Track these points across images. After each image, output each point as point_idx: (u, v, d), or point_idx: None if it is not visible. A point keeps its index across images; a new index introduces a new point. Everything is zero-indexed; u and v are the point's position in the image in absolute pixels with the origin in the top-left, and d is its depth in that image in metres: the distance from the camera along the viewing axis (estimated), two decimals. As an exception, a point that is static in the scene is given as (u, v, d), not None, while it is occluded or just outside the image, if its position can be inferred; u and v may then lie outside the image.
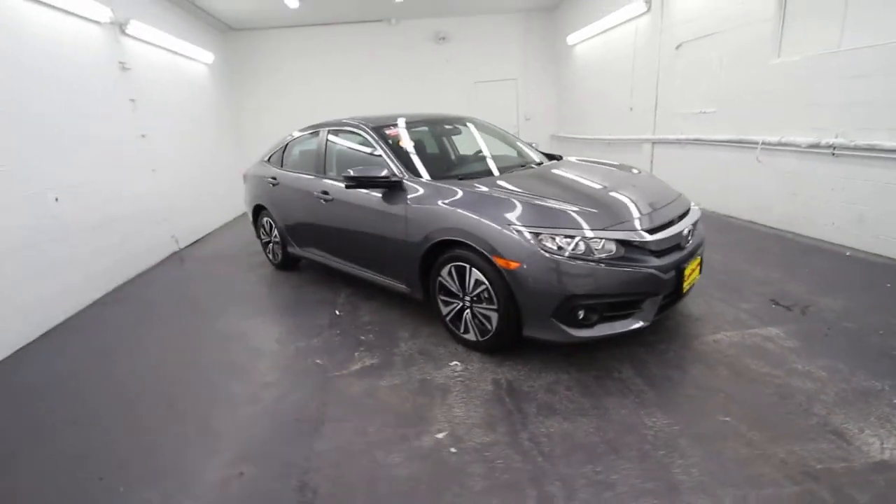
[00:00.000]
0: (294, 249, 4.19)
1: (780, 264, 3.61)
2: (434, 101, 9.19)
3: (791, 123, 4.24)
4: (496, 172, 3.13)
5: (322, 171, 3.66)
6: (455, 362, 2.59)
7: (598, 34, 7.64)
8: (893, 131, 3.40)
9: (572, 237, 2.22)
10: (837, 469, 1.66)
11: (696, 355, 2.47)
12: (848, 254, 3.73)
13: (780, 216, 4.48)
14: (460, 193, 2.66)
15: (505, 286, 2.35)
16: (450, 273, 2.63)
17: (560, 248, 2.22)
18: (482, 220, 2.42)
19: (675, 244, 2.43)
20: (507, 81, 9.60)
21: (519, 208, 2.40)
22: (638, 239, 2.27)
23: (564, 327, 2.25)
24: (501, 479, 1.74)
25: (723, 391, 2.15)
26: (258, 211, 4.60)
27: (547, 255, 2.21)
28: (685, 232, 2.49)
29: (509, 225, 2.32)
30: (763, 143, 4.53)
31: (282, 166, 4.27)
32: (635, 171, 3.24)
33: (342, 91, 9.14)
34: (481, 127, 3.90)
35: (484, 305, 2.51)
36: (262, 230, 4.64)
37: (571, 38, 8.43)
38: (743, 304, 2.98)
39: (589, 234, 2.23)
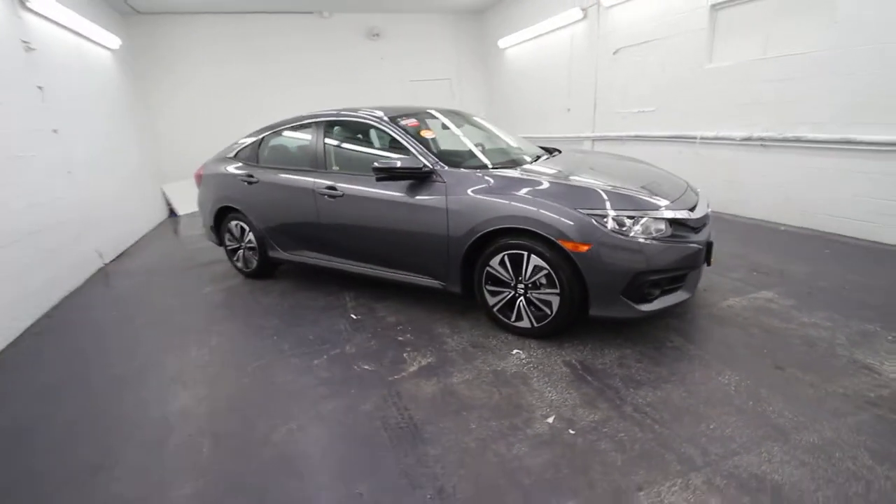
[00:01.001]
0: (277, 254, 3.80)
1: (738, 241, 4.19)
2: (370, 99, 8.94)
3: (725, 120, 4.95)
4: (526, 161, 3.17)
5: (323, 165, 3.38)
6: (516, 350, 2.59)
7: (531, 38, 8.10)
8: (813, 125, 4.15)
9: (634, 217, 2.36)
10: (885, 395, 2.00)
11: (722, 320, 2.77)
12: (783, 228, 4.46)
13: (719, 201, 5.19)
14: (510, 182, 2.66)
15: (570, 269, 2.42)
16: (501, 262, 2.62)
17: (624, 228, 2.34)
18: (546, 205, 2.45)
19: (703, 222, 2.71)
20: (441, 81, 9.71)
21: (577, 193, 2.48)
22: (686, 217, 2.48)
23: (632, 303, 2.38)
24: (635, 449, 1.79)
25: (764, 346, 2.45)
26: (222, 214, 4.09)
27: (615, 235, 2.32)
28: (708, 210, 2.78)
29: (575, 209, 2.39)
30: (701, 138, 5.21)
31: (258, 162, 3.84)
32: (639, 161, 3.52)
33: (270, 86, 8.46)
34: (472, 121, 3.92)
35: (543, 291, 2.54)
36: (227, 236, 4.12)
37: (503, 42, 8.82)
38: (732, 275, 3.41)
39: (651, 213, 2.39)
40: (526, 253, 2.52)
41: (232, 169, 3.97)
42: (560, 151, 3.71)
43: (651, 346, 2.53)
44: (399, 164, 2.78)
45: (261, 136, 3.89)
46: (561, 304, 2.51)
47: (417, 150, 2.95)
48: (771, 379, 2.17)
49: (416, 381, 2.37)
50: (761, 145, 4.60)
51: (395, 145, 3.10)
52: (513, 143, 3.70)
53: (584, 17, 6.73)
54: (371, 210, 3.08)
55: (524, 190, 2.57)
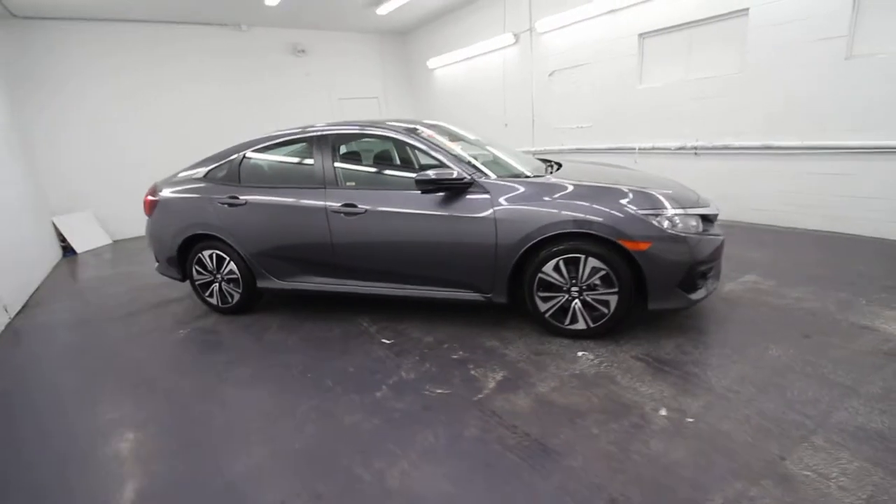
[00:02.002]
0: (269, 283, 3.36)
1: (693, 235, 4.77)
2: (297, 117, 8.45)
3: (659, 133, 5.64)
4: (545, 171, 3.22)
5: (334, 182, 3.09)
6: (581, 353, 2.61)
7: (462, 60, 8.42)
8: (737, 135, 4.93)
9: (681, 215, 2.57)
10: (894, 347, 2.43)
11: (732, 303, 3.11)
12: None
13: (658, 203, 5.87)
14: (556, 188, 2.70)
15: (629, 267, 2.53)
16: (556, 267, 2.65)
17: (675, 224, 2.53)
18: (603, 209, 2.54)
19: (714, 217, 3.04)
20: (369, 100, 9.56)
21: (626, 194, 2.61)
22: (714, 213, 2.77)
23: (686, 294, 2.57)
24: (751, 424, 1.92)
25: (780, 320, 2.81)
26: (188, 244, 3.51)
27: (670, 232, 2.49)
28: None
29: (631, 209, 2.52)
30: (640, 149, 5.86)
31: (240, 182, 3.38)
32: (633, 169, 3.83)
33: (181, 106, 7.54)
34: (460, 135, 3.93)
35: (600, 291, 2.62)
36: (196, 268, 3.53)
37: (432, 63, 9.03)
38: (712, 264, 3.87)
39: (691, 210, 2.61)
40: (583, 256, 2.59)
41: (204, 191, 3.44)
42: (561, 165, 3.83)
43: (695, 333, 2.74)
44: (443, 175, 2.68)
45: (239, 154, 3.44)
46: (619, 303, 2.61)
47: (452, 161, 2.87)
48: (807, 346, 2.50)
49: (504, 397, 2.26)
50: (694, 153, 5.34)
51: (402, 158, 2.97)
52: (513, 155, 3.77)
53: (517, 41, 7.21)
54: (401, 226, 2.90)
55: (574, 195, 2.64)
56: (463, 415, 2.16)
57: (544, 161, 3.79)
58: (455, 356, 2.71)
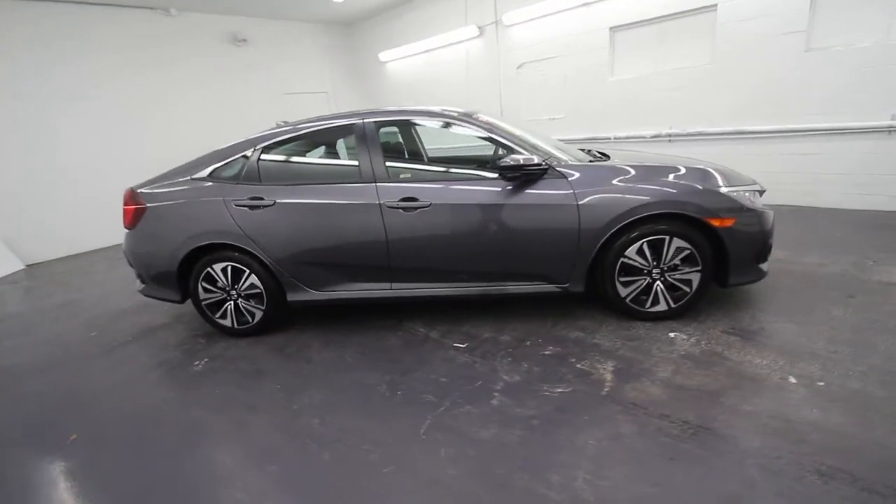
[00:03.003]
0: (305, 295, 2.92)
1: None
2: (239, 113, 7.63)
3: (634, 122, 5.93)
4: (600, 157, 3.15)
5: (386, 175, 2.75)
6: (672, 334, 2.60)
7: (419, 53, 8.17)
8: (710, 122, 5.34)
9: (750, 190, 2.67)
10: (925, 297, 2.75)
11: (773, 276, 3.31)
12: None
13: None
14: (633, 171, 2.65)
15: (714, 245, 2.57)
16: (639, 251, 2.61)
17: (753, 200, 2.62)
18: (690, 187, 2.55)
19: None
20: (318, 94, 8.93)
21: (703, 172, 2.65)
22: (763, 189, 2.92)
23: (760, 266, 2.68)
24: (874, 380, 2.03)
25: (817, 284, 3.03)
26: (192, 257, 2.93)
27: (749, 207, 2.57)
28: None
29: (715, 188, 2.56)
30: (615, 138, 6.12)
31: (260, 181, 2.89)
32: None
33: (98, 96, 6.41)
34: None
35: (683, 271, 2.63)
36: (203, 285, 2.97)
37: (385, 55, 8.67)
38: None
39: (755, 187, 2.72)
40: (668, 237, 2.58)
41: (213, 193, 2.89)
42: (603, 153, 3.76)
43: (755, 303, 2.86)
44: (528, 161, 2.51)
45: (254, 150, 2.94)
46: (701, 281, 2.64)
47: (521, 146, 2.70)
48: (859, 305, 2.73)
49: (632, 388, 2.17)
50: (669, 140, 5.69)
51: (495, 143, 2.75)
52: (552, 143, 3.66)
53: (481, 34, 7.17)
54: (473, 219, 2.67)
55: (656, 176, 2.62)
56: (604, 411, 2.02)
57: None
58: (547, 352, 2.56)
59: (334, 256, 2.85)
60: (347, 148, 2.97)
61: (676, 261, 2.61)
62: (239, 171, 2.94)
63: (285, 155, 2.99)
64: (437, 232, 2.71)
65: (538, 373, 2.37)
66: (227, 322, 3.08)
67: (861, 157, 4.49)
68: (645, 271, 2.66)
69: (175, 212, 2.94)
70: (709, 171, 2.65)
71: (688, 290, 2.67)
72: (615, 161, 2.82)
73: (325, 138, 2.99)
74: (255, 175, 2.91)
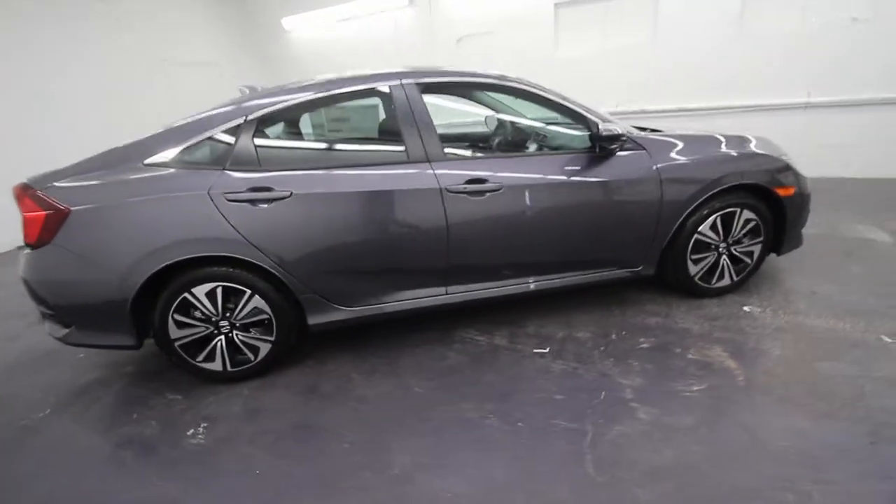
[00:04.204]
0: (332, 315, 2.21)
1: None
2: (104, 86, 5.90)
3: (579, 98, 5.95)
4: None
5: (441, 153, 2.15)
6: (746, 308, 2.54)
7: (335, 21, 7.19)
8: (651, 99, 5.59)
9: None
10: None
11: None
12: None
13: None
14: (701, 140, 2.49)
15: (772, 216, 2.55)
16: (713, 226, 2.48)
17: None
18: (760, 156, 2.46)
19: None
20: (208, 66, 7.34)
21: (765, 142, 2.59)
22: None
23: (801, 232, 2.74)
24: (957, 330, 2.18)
25: (830, 247, 3.24)
26: (156, 281, 2.00)
27: (800, 175, 2.59)
28: None
29: (779, 156, 2.51)
30: (563, 116, 6.10)
31: (260, 165, 2.06)
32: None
33: None
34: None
35: (745, 244, 2.57)
36: (176, 319, 2.05)
37: (288, 23, 7.48)
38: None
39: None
40: (739, 209, 2.49)
41: (187, 185, 1.98)
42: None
43: (787, 269, 2.97)
44: (621, 130, 2.16)
45: (244, 120, 2.08)
46: (761, 252, 2.62)
47: (593, 115, 2.35)
48: (865, 260, 2.99)
49: (764, 372, 2.02)
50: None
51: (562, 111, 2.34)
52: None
53: (411, 3, 6.54)
54: (551, 201, 2.25)
55: (728, 147, 2.48)
56: (765, 407, 1.82)
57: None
58: (644, 345, 2.29)
59: (376, 260, 2.19)
60: (382, 119, 2.29)
61: (742, 233, 2.55)
62: (224, 154, 2.06)
63: (294, 130, 2.20)
64: (509, 220, 2.23)
65: (654, 371, 2.09)
66: (214, 365, 2.20)
67: (785, 132, 5.10)
68: (713, 247, 2.55)
69: (124, 215, 1.95)
70: (771, 142, 2.62)
71: (749, 261, 2.64)
72: (681, 132, 2.64)
73: (346, 106, 2.26)
74: (250, 158, 2.07)
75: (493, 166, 2.22)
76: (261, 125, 2.11)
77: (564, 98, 2.41)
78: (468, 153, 2.36)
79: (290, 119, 2.22)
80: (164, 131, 2.11)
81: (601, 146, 2.22)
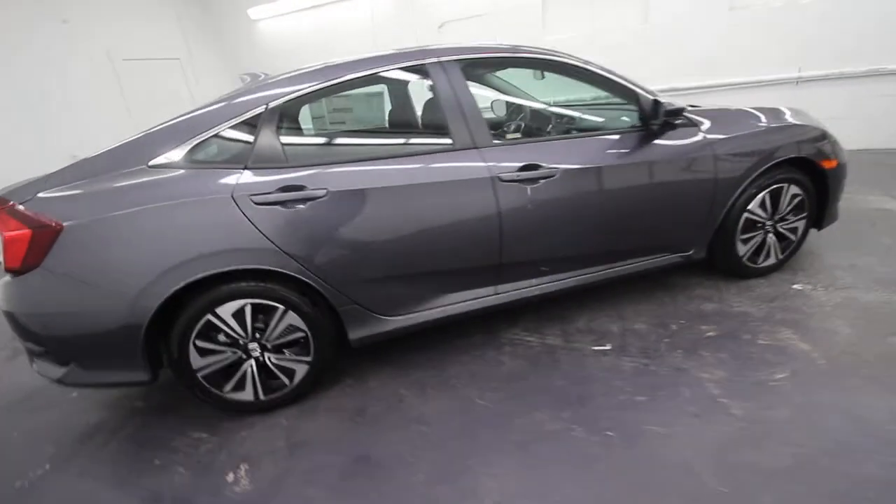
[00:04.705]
0: (375, 327, 1.97)
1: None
2: (49, 85, 5.32)
3: (573, 85, 5.83)
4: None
5: (487, 137, 1.93)
6: (796, 286, 2.47)
7: (305, 8, 6.76)
8: (643, 80, 5.50)
9: None
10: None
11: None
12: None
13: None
14: (740, 115, 2.38)
15: (816, 191, 2.47)
16: (762, 203, 2.38)
17: (832, 140, 2.60)
18: (810, 129, 2.38)
19: None
20: (168, 61, 6.77)
21: (804, 114, 2.51)
22: None
23: (837, 207, 2.69)
24: None
25: (862, 219, 3.24)
26: (176, 301, 1.70)
27: (838, 145, 2.53)
28: None
29: (821, 127, 2.43)
30: (554, 102, 5.96)
31: (286, 160, 1.78)
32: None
33: None
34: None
35: (790, 221, 2.49)
36: (198, 345, 1.76)
37: (255, 13, 6.98)
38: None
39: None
40: (786, 184, 2.39)
41: (208, 186, 1.68)
42: None
43: (820, 243, 2.93)
44: (684, 105, 2.01)
45: (266, 109, 1.79)
46: (805, 228, 2.55)
47: (645, 91, 2.19)
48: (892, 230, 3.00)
49: (843, 352, 1.93)
50: (607, 101, 5.77)
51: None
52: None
53: (388, -13, 6.22)
54: (609, 184, 2.09)
55: (771, 120, 2.38)
56: (859, 388, 1.72)
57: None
58: (709, 333, 2.16)
59: (422, 261, 1.95)
60: (425, 101, 2.04)
61: (788, 210, 2.46)
62: (243, 150, 1.77)
63: (322, 119, 1.93)
64: (565, 208, 2.05)
65: (730, 361, 1.96)
66: (245, 395, 1.91)
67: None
68: (760, 225, 2.45)
69: (131, 227, 1.64)
70: (807, 113, 2.54)
71: (793, 238, 2.56)
72: (723, 106, 2.52)
73: (378, 90, 2.00)
74: (275, 153, 1.79)
75: (545, 151, 2.02)
76: (285, 115, 1.83)
77: (614, 73, 2.23)
78: (516, 136, 2.15)
79: (316, 107, 1.94)
80: (165, 127, 1.80)
81: (666, 121, 2.06)
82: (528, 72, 2.84)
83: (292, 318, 1.86)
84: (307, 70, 1.92)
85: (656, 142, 2.13)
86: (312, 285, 1.82)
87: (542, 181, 1.97)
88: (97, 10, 5.89)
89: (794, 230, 2.54)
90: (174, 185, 1.69)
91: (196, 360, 1.80)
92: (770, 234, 2.50)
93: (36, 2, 5.26)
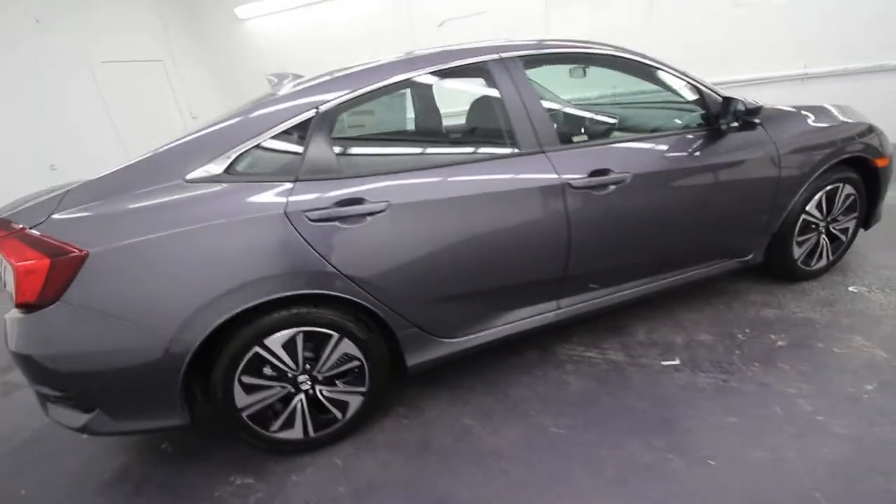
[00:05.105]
0: (434, 351, 1.79)
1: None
2: (22, 89, 4.92)
3: (580, 83, 5.75)
4: None
5: (554, 139, 1.77)
6: (852, 288, 2.40)
7: (296, 7, 6.47)
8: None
9: None
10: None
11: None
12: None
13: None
14: (801, 113, 2.29)
15: (865, 190, 2.40)
16: (818, 204, 2.30)
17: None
18: (864, 126, 2.31)
19: None
20: (151, 63, 6.38)
21: (853, 111, 2.43)
22: None
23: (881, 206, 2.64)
24: None
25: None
26: (217, 333, 1.49)
27: (888, 142, 2.47)
28: None
29: (870, 124, 2.36)
30: (558, 100, 5.87)
31: (340, 170, 1.59)
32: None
33: None
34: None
35: (842, 221, 2.42)
36: (243, 382, 1.55)
37: (243, 11, 6.66)
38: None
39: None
40: (841, 184, 2.32)
41: (255, 203, 1.48)
42: None
43: (871, 235, 2.84)
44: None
45: (317, 112, 1.58)
46: (855, 228, 2.49)
47: (703, 86, 2.07)
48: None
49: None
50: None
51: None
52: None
53: (384, -16, 6.01)
54: (679, 189, 1.97)
55: (823, 118, 2.29)
56: (956, 399, 1.65)
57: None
58: (779, 343, 2.06)
59: (486, 277, 1.78)
60: (474, 101, 1.86)
61: (841, 209, 2.39)
62: (292, 160, 1.57)
63: (375, 124, 1.73)
64: (635, 216, 1.91)
65: (813, 374, 1.86)
66: (293, 433, 1.70)
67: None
68: (814, 226, 2.37)
69: (171, 251, 1.41)
70: (854, 109, 2.47)
71: (844, 239, 2.49)
72: (772, 105, 2.42)
73: (432, 90, 1.82)
74: (328, 163, 1.58)
75: (613, 154, 1.87)
76: (336, 120, 1.63)
77: (678, 70, 2.11)
78: (584, 138, 2.00)
79: (368, 111, 1.75)
80: (201, 136, 1.57)
81: (745, 121, 1.94)
82: (562, 69, 2.74)
83: (347, 346, 1.66)
84: (356, 70, 1.72)
85: (724, 143, 2.01)
86: (371, 309, 1.63)
87: (611, 187, 1.82)
88: (72, 8, 5.49)
89: (844, 231, 2.47)
90: (218, 201, 1.47)
91: (241, 398, 1.59)
92: (822, 236, 2.43)
93: (5, 1, 4.86)
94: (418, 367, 1.81)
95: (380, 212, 1.57)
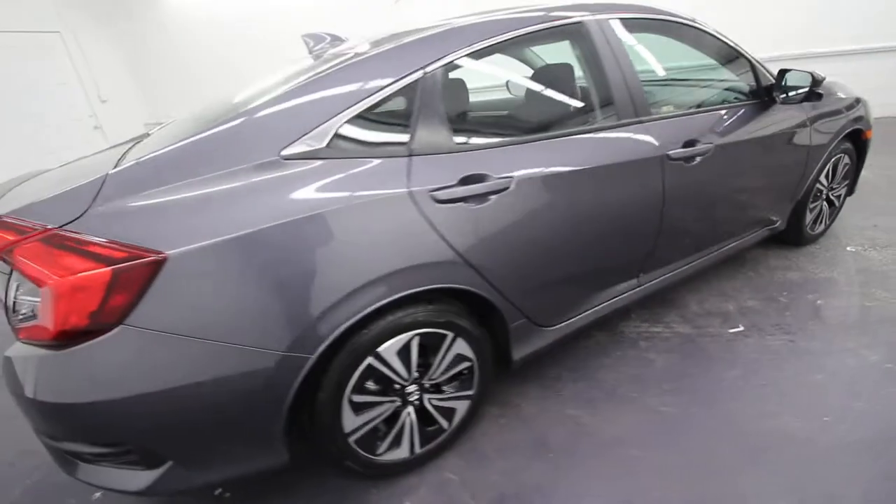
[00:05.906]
0: (537, 341, 1.64)
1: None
2: None
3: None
4: None
5: (645, 107, 1.68)
6: (850, 248, 2.65)
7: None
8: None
9: None
10: None
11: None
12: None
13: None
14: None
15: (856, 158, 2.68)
16: (827, 172, 2.50)
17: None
18: (853, 97, 2.53)
19: None
20: (42, 35, 5.20)
21: (841, 85, 2.65)
22: None
23: (857, 173, 2.96)
24: None
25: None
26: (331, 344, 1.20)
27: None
28: None
29: (860, 97, 2.60)
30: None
31: (455, 144, 1.35)
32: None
33: None
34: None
35: (836, 189, 2.67)
36: (355, 400, 1.29)
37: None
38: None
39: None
40: (842, 154, 2.54)
41: (392, 183, 1.20)
42: None
43: (867, 206, 3.14)
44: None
45: (427, 73, 1.32)
46: (845, 194, 2.77)
47: (751, 58, 2.12)
48: None
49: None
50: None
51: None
52: None
53: (331, -46, 5.50)
54: (750, 160, 2.04)
55: (836, 88, 2.49)
56: None
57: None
58: (819, 302, 2.20)
59: (591, 257, 1.67)
60: (585, 64, 1.67)
61: (832, 177, 2.64)
62: (402, 131, 1.30)
63: (482, 89, 1.50)
64: (713, 188, 1.93)
65: (858, 326, 2.01)
66: (400, 452, 1.46)
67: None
68: (819, 193, 2.59)
69: (276, 248, 1.09)
70: (844, 84, 2.71)
71: (837, 205, 2.76)
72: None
73: (528, 50, 1.62)
74: (441, 134, 1.34)
75: (697, 125, 1.85)
76: (445, 83, 1.38)
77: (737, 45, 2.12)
78: (669, 108, 1.94)
79: (474, 74, 1.50)
80: (291, 104, 1.24)
81: (813, 92, 2.01)
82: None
83: (460, 346, 1.45)
84: (448, 28, 1.48)
85: (775, 114, 2.09)
86: (490, 300, 1.44)
87: (698, 158, 1.80)
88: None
89: (839, 197, 2.74)
90: (327, 183, 1.17)
91: (349, 421, 1.31)
92: (824, 202, 2.67)
93: None
94: (522, 360, 1.65)
95: (503, 189, 1.37)
